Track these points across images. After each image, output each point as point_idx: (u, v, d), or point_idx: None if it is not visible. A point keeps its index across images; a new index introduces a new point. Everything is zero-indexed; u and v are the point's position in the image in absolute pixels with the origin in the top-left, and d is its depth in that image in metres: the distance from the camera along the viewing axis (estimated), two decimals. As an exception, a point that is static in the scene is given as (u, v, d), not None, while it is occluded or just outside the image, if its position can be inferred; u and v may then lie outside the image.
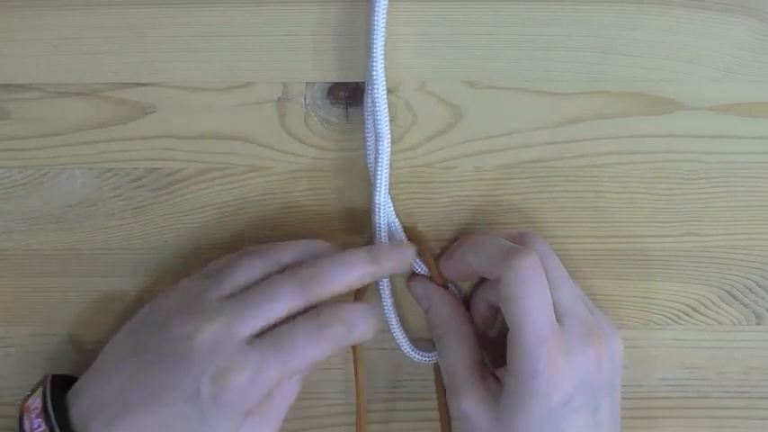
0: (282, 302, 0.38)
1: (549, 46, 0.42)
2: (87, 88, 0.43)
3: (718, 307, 0.45)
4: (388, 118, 0.41)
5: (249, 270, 0.39)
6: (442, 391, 0.44)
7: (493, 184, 0.44)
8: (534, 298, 0.37)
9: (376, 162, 0.42)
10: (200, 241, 0.44)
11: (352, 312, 0.39)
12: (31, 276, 0.45)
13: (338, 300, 0.39)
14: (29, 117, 0.43)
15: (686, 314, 0.45)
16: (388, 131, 0.41)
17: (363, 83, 0.42)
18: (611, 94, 0.43)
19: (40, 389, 0.40)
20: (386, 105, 0.41)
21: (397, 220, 0.43)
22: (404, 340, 0.44)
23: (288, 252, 0.40)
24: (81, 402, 0.39)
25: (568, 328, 0.38)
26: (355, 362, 0.43)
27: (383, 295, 0.44)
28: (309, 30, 0.42)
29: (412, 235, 0.43)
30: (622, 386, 0.41)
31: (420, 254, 0.43)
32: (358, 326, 0.39)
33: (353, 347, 0.43)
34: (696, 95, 0.43)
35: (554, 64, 0.42)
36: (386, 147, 0.41)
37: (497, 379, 0.40)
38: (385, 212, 0.42)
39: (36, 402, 0.39)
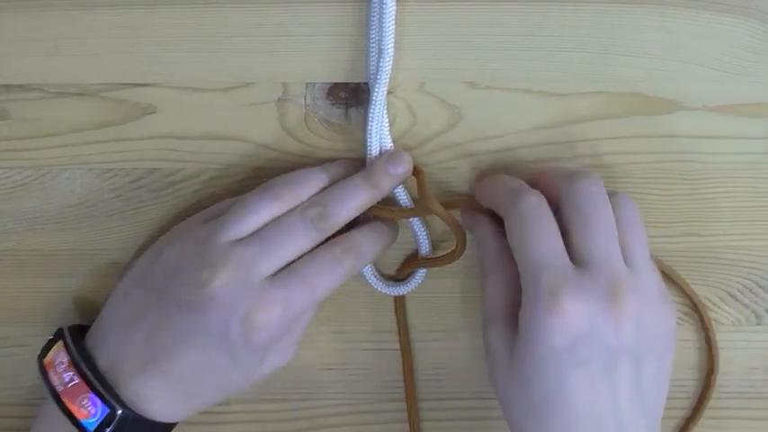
0: (295, 243, 0.39)
1: (549, 46, 0.42)
2: (87, 89, 0.43)
3: (719, 307, 0.45)
4: (393, 36, 0.40)
5: (254, 214, 0.40)
6: (404, 325, 0.45)
7: (493, 185, 0.44)
8: (535, 226, 0.37)
9: (376, 75, 0.41)
10: (199, 241, 0.44)
11: (362, 239, 0.41)
12: (30, 276, 0.45)
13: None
14: (29, 117, 0.43)
15: (686, 314, 0.45)
16: (392, 46, 0.40)
17: (363, 83, 0.42)
18: (611, 94, 0.43)
19: (60, 342, 0.40)
20: (393, 21, 0.40)
21: (389, 137, 0.42)
22: (371, 272, 0.44)
23: (287, 190, 0.40)
24: (106, 351, 0.40)
25: (590, 275, 0.36)
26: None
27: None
28: (309, 30, 0.42)
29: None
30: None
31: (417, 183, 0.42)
32: (368, 250, 0.41)
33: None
34: (696, 95, 0.43)
35: (554, 64, 0.42)
36: (387, 62, 0.40)
37: None
38: (378, 128, 0.42)
39: (61, 356, 0.40)
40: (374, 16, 0.41)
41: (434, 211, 0.41)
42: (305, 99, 0.43)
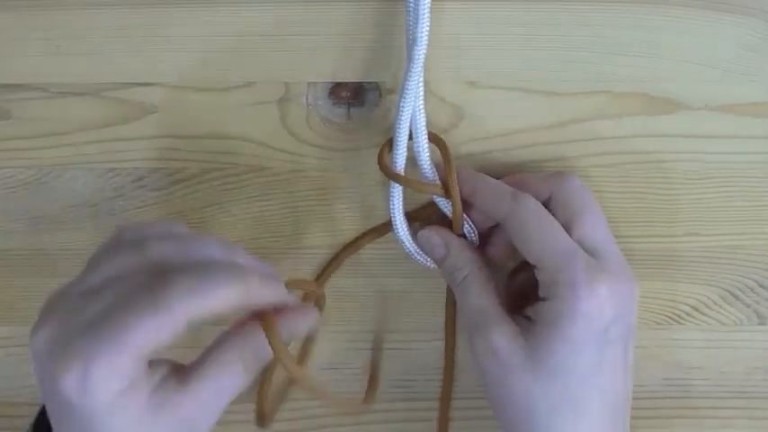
0: None
1: (549, 46, 0.42)
2: (89, 88, 0.43)
3: (720, 307, 0.45)
4: (428, 21, 0.39)
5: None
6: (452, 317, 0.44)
7: (494, 184, 0.44)
8: (546, 222, 0.38)
9: (408, 67, 0.39)
10: (201, 241, 0.44)
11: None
12: (32, 276, 0.45)
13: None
14: (31, 117, 0.43)
15: (688, 314, 0.45)
16: (426, 42, 0.39)
17: (365, 83, 0.43)
18: (612, 94, 0.43)
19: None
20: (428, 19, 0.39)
21: (424, 120, 0.40)
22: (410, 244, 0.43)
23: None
24: None
25: (606, 260, 0.38)
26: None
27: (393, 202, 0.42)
28: (311, 30, 0.42)
29: (437, 142, 0.41)
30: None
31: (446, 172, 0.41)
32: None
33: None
34: (696, 95, 0.43)
35: (554, 64, 0.42)
36: (420, 53, 0.39)
37: (526, 319, 0.39)
38: (413, 100, 0.40)
39: None
40: (410, 13, 0.39)
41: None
42: (307, 99, 0.43)
